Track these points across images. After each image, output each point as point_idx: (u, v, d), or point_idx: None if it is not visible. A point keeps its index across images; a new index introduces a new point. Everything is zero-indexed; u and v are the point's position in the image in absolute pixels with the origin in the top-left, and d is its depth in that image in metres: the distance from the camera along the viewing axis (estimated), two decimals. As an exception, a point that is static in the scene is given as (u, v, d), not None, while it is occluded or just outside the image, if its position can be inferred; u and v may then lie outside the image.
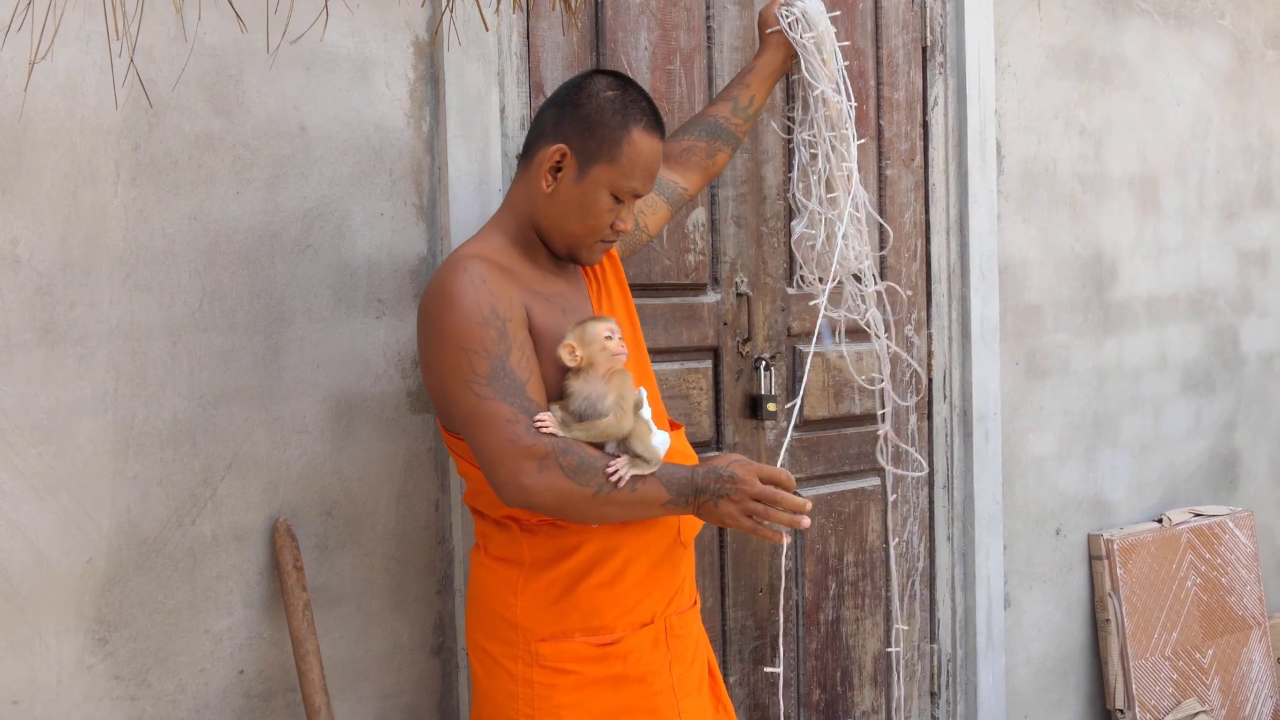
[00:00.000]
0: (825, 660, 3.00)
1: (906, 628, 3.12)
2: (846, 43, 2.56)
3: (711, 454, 2.67)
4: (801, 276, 2.61)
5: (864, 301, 2.54)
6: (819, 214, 2.48)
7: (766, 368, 2.80)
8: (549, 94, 2.42)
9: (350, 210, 2.23)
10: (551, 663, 1.97)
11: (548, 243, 2.05)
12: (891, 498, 2.79)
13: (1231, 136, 3.98)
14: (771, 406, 2.79)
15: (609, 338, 1.90)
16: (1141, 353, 3.71)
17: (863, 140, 2.60)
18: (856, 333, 2.63)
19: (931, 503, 3.21)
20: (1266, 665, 3.84)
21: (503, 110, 2.40)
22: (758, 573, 2.85)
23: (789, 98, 2.75)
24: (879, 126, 3.05)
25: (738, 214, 2.79)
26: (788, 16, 2.45)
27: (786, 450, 2.59)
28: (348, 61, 2.22)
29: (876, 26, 3.04)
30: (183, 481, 2.07)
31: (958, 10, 3.16)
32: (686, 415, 2.69)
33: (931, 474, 3.21)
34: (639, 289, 2.51)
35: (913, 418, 3.15)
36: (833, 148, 2.46)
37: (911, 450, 2.91)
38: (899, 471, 2.78)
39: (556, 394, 1.92)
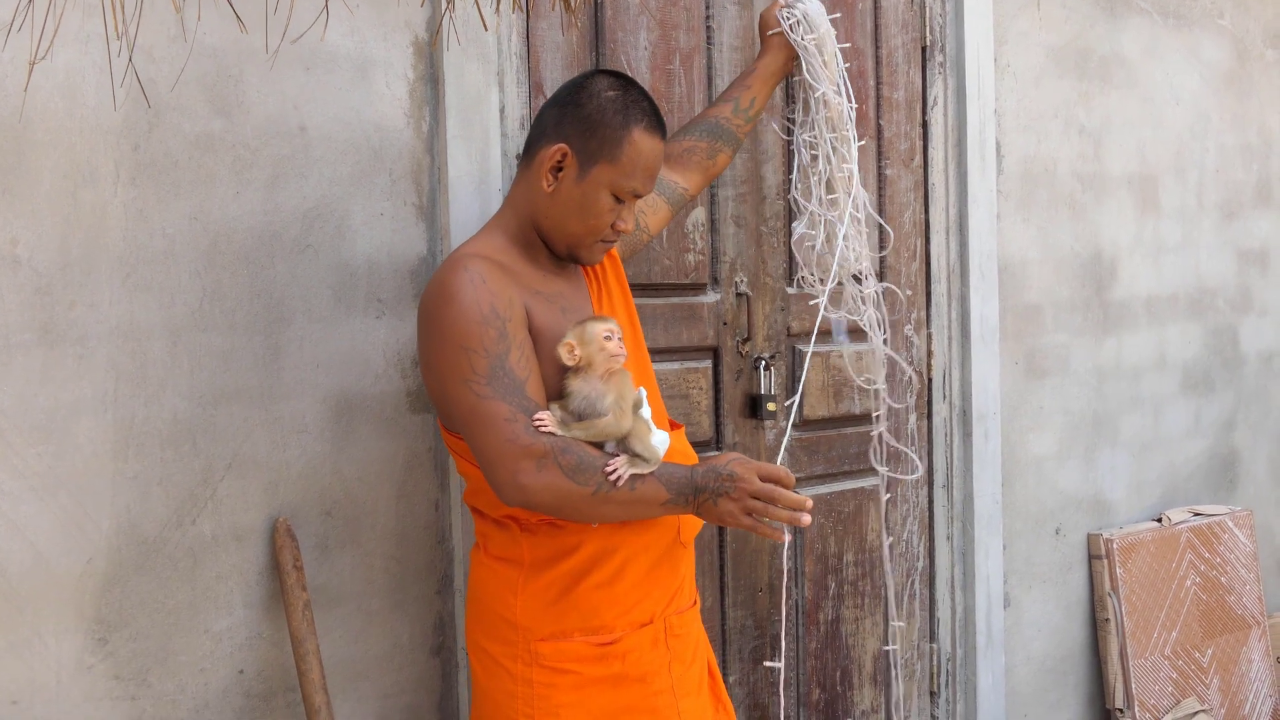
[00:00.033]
0: (825, 660, 3.00)
1: (904, 624, 3.11)
2: (847, 44, 2.56)
3: (711, 453, 2.67)
4: (802, 277, 2.61)
5: (863, 302, 2.54)
6: (819, 215, 2.48)
7: (766, 367, 2.80)
8: (549, 94, 2.42)
9: (350, 210, 2.23)
10: (551, 662, 1.97)
11: (548, 242, 2.05)
12: (886, 497, 2.80)
13: (1231, 136, 3.98)
14: (771, 406, 2.79)
15: (608, 338, 1.90)
16: (1141, 352, 3.71)
17: (862, 142, 2.61)
18: (856, 332, 2.63)
19: (931, 502, 3.21)
20: (1266, 664, 3.84)
21: (502, 110, 2.40)
22: (757, 572, 2.85)
23: (789, 99, 2.76)
24: (878, 126, 3.05)
25: (737, 214, 2.79)
26: (789, 18, 2.46)
27: (786, 450, 2.59)
28: (347, 61, 2.22)
29: (876, 26, 3.04)
30: (183, 481, 2.07)
31: (957, 10, 3.16)
32: (686, 415, 2.69)
33: (931, 473, 3.21)
34: (639, 289, 2.51)
35: (912, 417, 3.15)
36: (834, 149, 2.47)
37: (908, 451, 2.91)
38: (894, 475, 2.78)
39: (556, 393, 1.93)
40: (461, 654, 2.36)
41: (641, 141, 2.00)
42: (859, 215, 2.48)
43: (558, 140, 1.99)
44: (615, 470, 1.85)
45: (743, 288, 2.80)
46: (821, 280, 2.52)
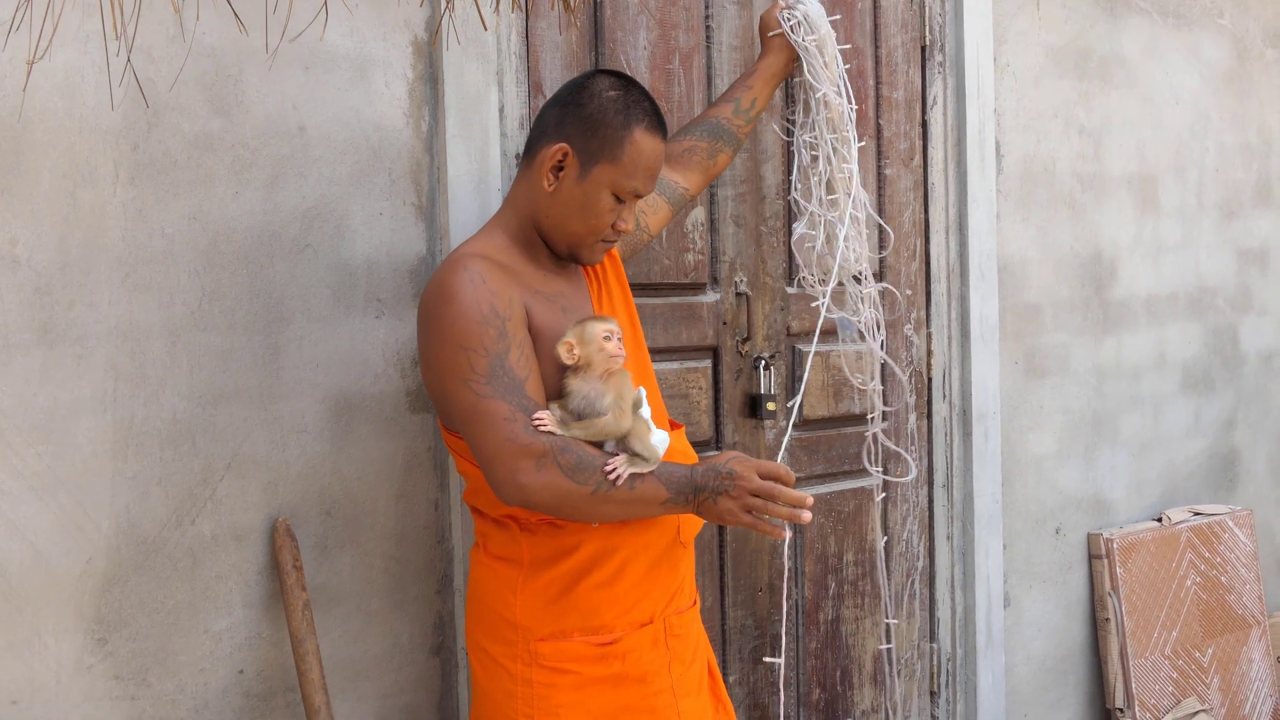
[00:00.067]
0: (825, 659, 3.00)
1: (897, 622, 3.11)
2: (847, 46, 2.57)
3: (711, 453, 2.67)
4: (803, 278, 2.61)
5: (862, 303, 2.55)
6: (819, 215, 2.49)
7: (766, 367, 2.80)
8: (548, 93, 2.42)
9: (349, 210, 2.23)
10: (550, 662, 1.97)
11: (549, 242, 2.05)
12: (881, 497, 2.80)
13: (1230, 135, 3.98)
14: (771, 406, 2.79)
15: (607, 338, 1.90)
16: (1141, 352, 3.71)
17: (862, 143, 2.61)
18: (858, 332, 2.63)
19: (931, 502, 3.21)
20: (1266, 664, 3.84)
21: (502, 110, 2.40)
22: (757, 572, 2.85)
23: (789, 100, 2.76)
24: (878, 126, 3.05)
25: (737, 213, 2.79)
26: (790, 19, 2.47)
27: (786, 449, 2.59)
28: (347, 61, 2.22)
29: (875, 26, 3.04)
30: (182, 481, 2.07)
31: (956, 9, 3.17)
32: (686, 415, 2.69)
33: (931, 473, 3.21)
34: (638, 288, 2.51)
35: (912, 417, 3.16)
36: (834, 150, 2.47)
37: (902, 452, 2.90)
38: (885, 477, 2.79)
39: (556, 393, 1.93)
40: (461, 654, 2.35)
41: (643, 141, 2.00)
42: (859, 215, 2.48)
43: (559, 140, 1.99)
44: (614, 469, 1.85)
45: (742, 287, 2.80)
46: (822, 281, 2.52)
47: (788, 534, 1.96)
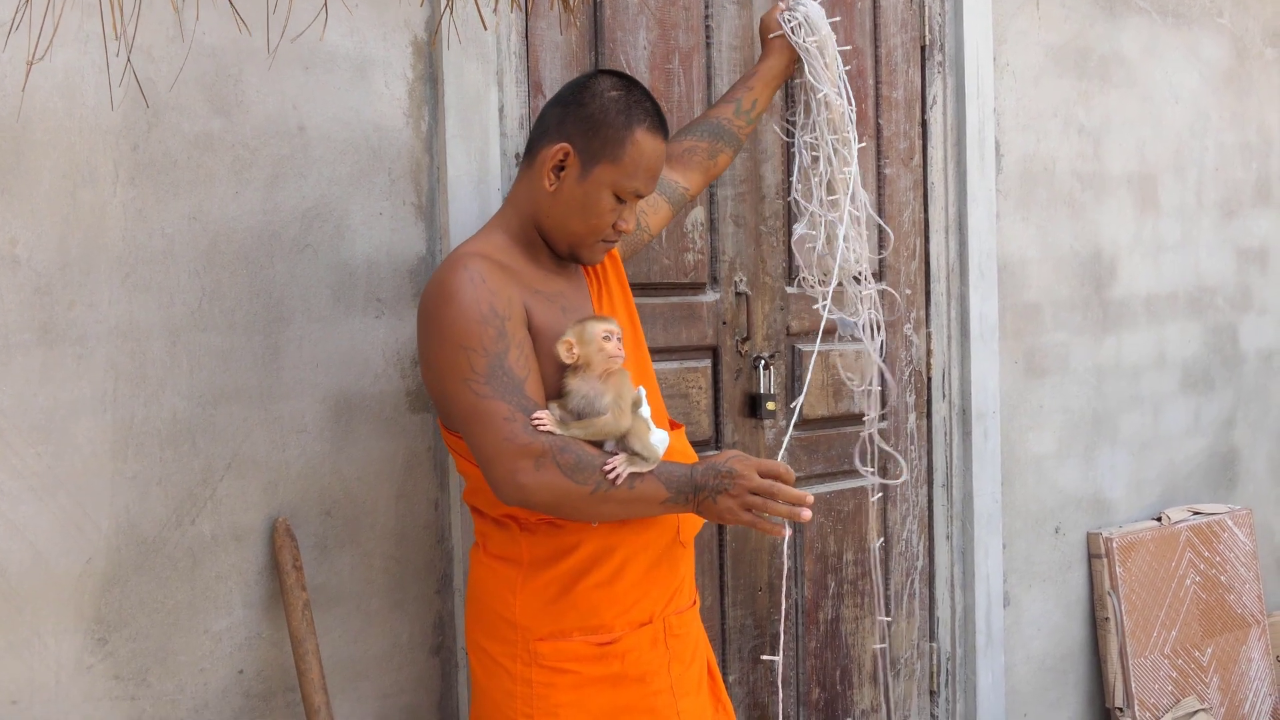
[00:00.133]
0: (825, 659, 3.00)
1: (890, 620, 3.11)
2: (848, 47, 2.57)
3: (710, 452, 2.67)
4: (803, 278, 2.62)
5: (861, 304, 2.55)
6: (820, 216, 2.49)
7: (765, 367, 2.81)
8: (548, 93, 2.42)
9: (349, 210, 2.23)
10: (550, 662, 1.97)
11: (549, 242, 2.05)
12: (876, 497, 2.81)
13: (1230, 134, 3.98)
14: (771, 405, 2.79)
15: (606, 338, 1.90)
16: (1140, 351, 3.71)
17: (863, 144, 2.61)
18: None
19: (931, 501, 3.21)
20: (1266, 663, 3.84)
21: (501, 109, 2.40)
22: (757, 571, 2.85)
23: (789, 101, 2.76)
24: (878, 125, 3.05)
25: (736, 213, 2.79)
26: (790, 21, 2.48)
27: (786, 449, 2.59)
28: (346, 61, 2.22)
29: (875, 25, 3.04)
30: (182, 481, 2.07)
31: (956, 9, 3.17)
32: (686, 414, 2.69)
33: (931, 472, 3.21)
34: (638, 288, 2.51)
35: (911, 416, 3.16)
36: (835, 151, 2.48)
37: (894, 453, 2.90)
38: (877, 479, 2.79)
39: (556, 392, 1.93)
40: (461, 653, 2.36)
41: (644, 142, 2.00)
42: (859, 216, 2.49)
43: (560, 139, 1.99)
44: (614, 469, 1.85)
45: (742, 287, 2.80)
46: (821, 281, 2.52)
47: (787, 533, 1.96)
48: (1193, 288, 3.87)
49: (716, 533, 2.77)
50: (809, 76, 2.48)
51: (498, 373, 1.85)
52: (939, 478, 3.22)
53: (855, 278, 2.54)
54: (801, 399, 2.49)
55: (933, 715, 3.25)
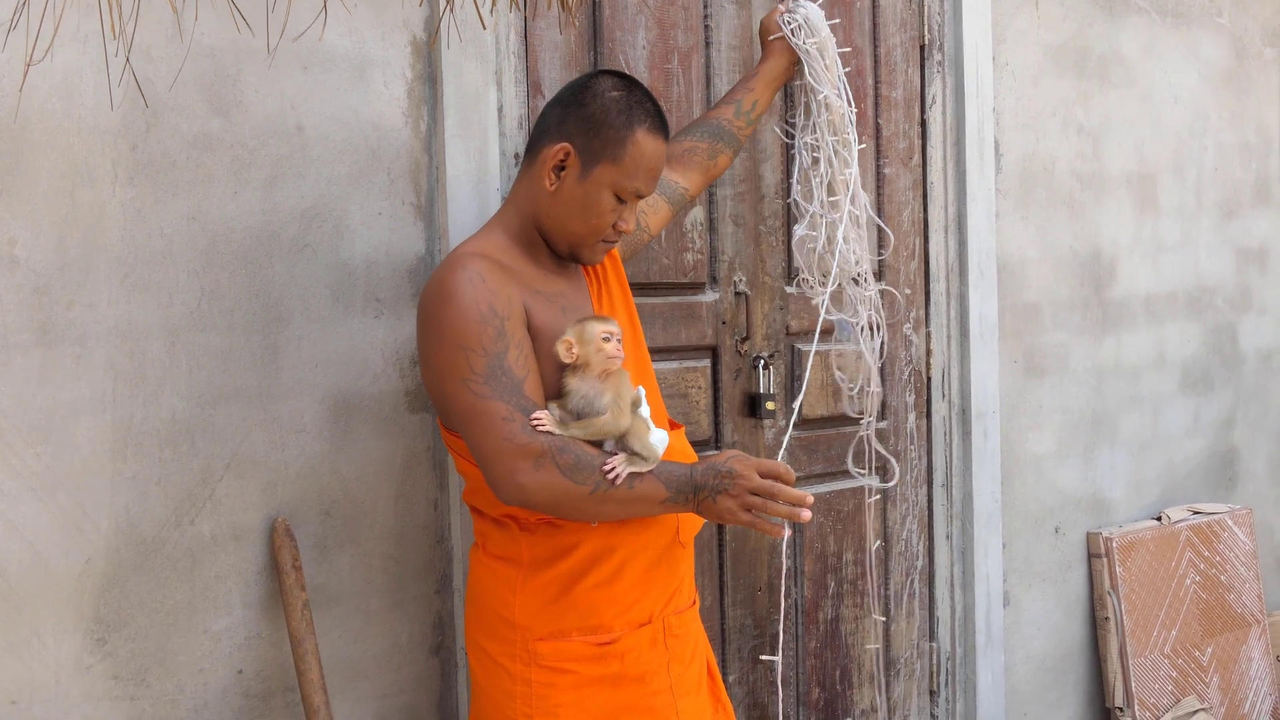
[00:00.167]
0: (824, 659, 3.00)
1: (884, 619, 3.11)
2: (847, 49, 2.57)
3: (710, 452, 2.67)
4: (803, 279, 2.62)
5: (861, 305, 2.55)
6: (820, 217, 2.49)
7: (765, 366, 2.80)
8: (547, 93, 2.42)
9: (348, 210, 2.23)
10: (549, 662, 1.97)
11: (550, 241, 2.05)
12: (873, 499, 2.81)
13: (1229, 134, 3.98)
14: (770, 405, 2.79)
15: (606, 339, 1.90)
16: (1140, 351, 3.71)
17: (863, 145, 2.62)
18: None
19: (930, 501, 3.21)
20: (1266, 663, 3.84)
21: (500, 109, 2.40)
22: (757, 571, 2.85)
23: (789, 103, 2.76)
24: (877, 125, 3.05)
25: (736, 213, 2.79)
26: (790, 23, 2.48)
27: (785, 449, 2.60)
28: (345, 61, 2.22)
29: (874, 25, 3.04)
30: (181, 481, 2.07)
31: (955, 8, 3.17)
32: (685, 414, 2.69)
33: (930, 472, 3.21)
34: (637, 288, 2.51)
35: (911, 416, 3.16)
36: (835, 152, 2.48)
37: (886, 454, 2.90)
38: (872, 482, 2.79)
39: (555, 392, 1.93)
40: (460, 653, 2.35)
41: (645, 142, 2.00)
42: (859, 217, 2.49)
43: (561, 139, 1.99)
44: (613, 469, 1.85)
45: (741, 287, 2.80)
46: (821, 283, 2.52)
47: (787, 533, 1.96)
48: (1192, 288, 3.87)
49: (716, 533, 2.77)
50: (809, 78, 2.48)
51: (497, 373, 1.85)
52: (939, 477, 3.22)
53: (855, 279, 2.54)
54: (801, 398, 2.50)
55: (932, 715, 3.25)
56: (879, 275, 3.03)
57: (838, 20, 2.59)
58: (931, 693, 3.24)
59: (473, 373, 1.85)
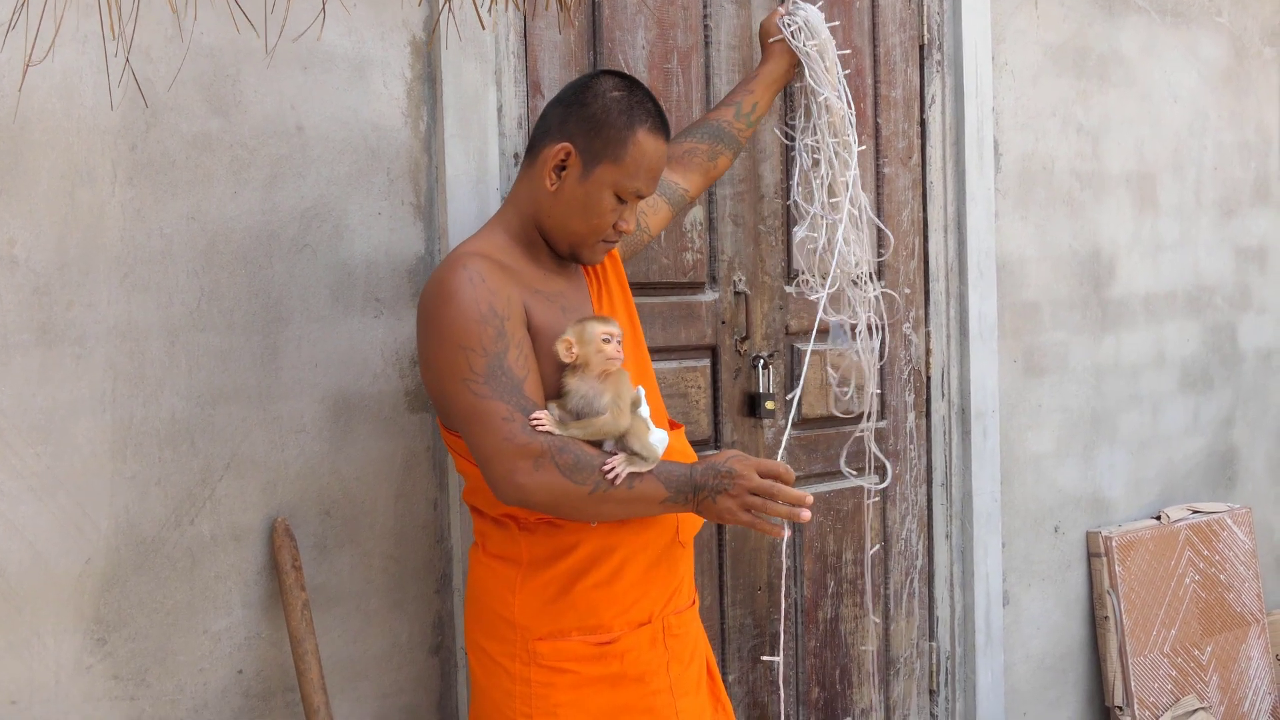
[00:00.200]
0: (824, 658, 3.00)
1: (879, 620, 3.11)
2: (847, 50, 2.58)
3: (710, 452, 2.67)
4: (803, 280, 2.62)
5: (860, 306, 2.56)
6: (821, 218, 2.49)
7: (765, 366, 2.81)
8: (547, 93, 2.42)
9: (348, 210, 2.23)
10: (549, 661, 1.97)
11: (550, 241, 2.06)
12: (871, 500, 2.81)
13: (1229, 133, 3.98)
14: (770, 405, 2.79)
15: (606, 340, 1.90)
16: (1139, 350, 3.71)
17: (863, 147, 2.62)
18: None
19: (930, 500, 3.21)
20: (1265, 662, 3.84)
21: (500, 109, 2.40)
22: (756, 571, 2.85)
23: (789, 105, 2.76)
24: (876, 125, 3.05)
25: (735, 213, 2.79)
26: (790, 25, 2.48)
27: (785, 449, 2.60)
28: (345, 61, 2.22)
29: (874, 25, 3.04)
30: (181, 481, 2.07)
31: (955, 8, 3.17)
32: (685, 414, 2.70)
33: (930, 472, 3.21)
34: (637, 288, 2.51)
35: (910, 415, 3.16)
36: (835, 154, 2.48)
37: (880, 456, 2.90)
38: (868, 483, 2.80)
39: (555, 392, 1.93)
40: (460, 653, 2.36)
41: (645, 142, 2.00)
42: (860, 217, 2.49)
43: (561, 139, 1.99)
44: (613, 469, 1.86)
45: (741, 286, 2.80)
46: (822, 284, 2.52)
47: (787, 533, 1.96)
48: (1191, 287, 3.87)
49: (716, 532, 2.77)
50: (809, 80, 2.48)
51: (497, 373, 1.85)
52: (938, 477, 3.22)
53: (854, 280, 2.54)
54: (797, 393, 2.49)
55: (932, 714, 3.25)
56: (879, 275, 3.02)
57: (837, 22, 2.60)
58: (931, 692, 3.24)
59: (473, 372, 1.85)
